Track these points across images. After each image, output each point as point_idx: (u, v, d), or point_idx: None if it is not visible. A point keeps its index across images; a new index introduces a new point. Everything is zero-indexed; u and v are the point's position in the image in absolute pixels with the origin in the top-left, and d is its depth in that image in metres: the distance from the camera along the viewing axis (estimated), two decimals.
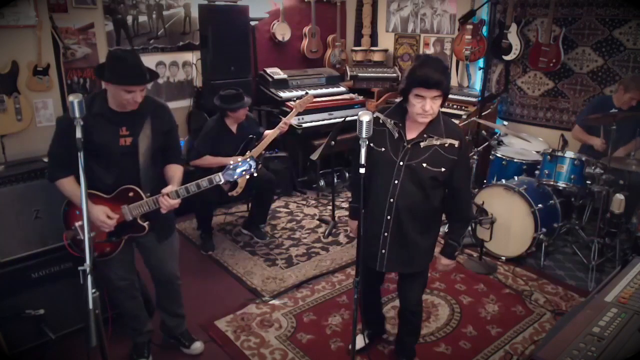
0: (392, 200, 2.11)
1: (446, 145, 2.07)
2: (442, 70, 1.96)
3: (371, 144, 2.09)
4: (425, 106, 1.96)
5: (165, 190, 2.24)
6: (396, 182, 2.09)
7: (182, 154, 2.55)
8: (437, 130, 2.07)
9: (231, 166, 2.27)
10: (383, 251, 2.20)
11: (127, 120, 2.25)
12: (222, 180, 2.25)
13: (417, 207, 2.13)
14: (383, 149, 2.10)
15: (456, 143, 2.08)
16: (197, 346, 2.74)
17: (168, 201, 2.23)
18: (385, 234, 2.17)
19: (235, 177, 2.27)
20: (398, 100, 2.17)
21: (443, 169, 2.07)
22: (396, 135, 2.09)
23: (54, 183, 2.28)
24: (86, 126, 2.02)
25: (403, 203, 2.11)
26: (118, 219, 2.27)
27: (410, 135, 2.08)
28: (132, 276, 2.55)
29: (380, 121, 2.13)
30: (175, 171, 2.41)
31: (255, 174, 2.30)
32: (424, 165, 2.06)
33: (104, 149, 2.21)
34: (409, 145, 2.06)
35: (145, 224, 2.34)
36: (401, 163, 2.07)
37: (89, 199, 2.16)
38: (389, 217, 2.14)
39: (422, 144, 2.06)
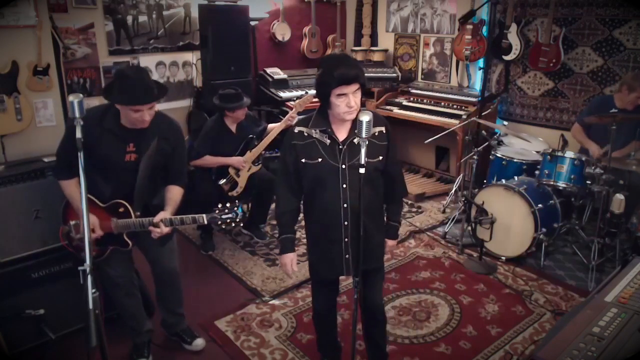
0: (345, 205, 2.09)
1: (376, 134, 2.09)
2: (355, 64, 1.99)
3: (303, 160, 2.08)
4: (349, 102, 1.96)
5: (158, 218, 2.26)
6: (345, 186, 2.07)
7: (185, 175, 2.55)
8: None
9: (217, 211, 2.30)
10: (347, 256, 2.17)
11: (135, 138, 2.27)
12: (205, 222, 2.29)
13: (369, 204, 2.11)
14: (320, 160, 2.06)
15: (383, 129, 2.11)
16: (199, 342, 2.76)
17: (160, 228, 2.26)
18: (346, 239, 2.14)
19: (219, 222, 2.30)
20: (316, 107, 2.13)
21: (380, 157, 2.09)
22: (328, 141, 2.06)
23: (58, 182, 2.32)
24: (95, 137, 2.10)
25: (357, 204, 2.07)
26: (106, 229, 2.29)
27: (341, 136, 2.06)
28: (130, 273, 2.57)
29: (305, 134, 2.09)
30: (175, 194, 2.42)
31: (240, 223, 2.34)
32: (365, 159, 2.05)
33: (108, 163, 2.24)
34: (345, 147, 2.05)
35: (130, 241, 2.37)
36: (343, 166, 2.05)
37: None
38: (346, 223, 2.11)
39: (355, 141, 2.05)
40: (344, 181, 2.06)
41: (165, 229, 2.28)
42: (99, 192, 2.29)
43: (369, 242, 2.15)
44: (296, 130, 2.12)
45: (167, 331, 2.83)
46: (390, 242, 2.34)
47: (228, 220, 2.30)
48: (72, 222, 2.32)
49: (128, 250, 2.41)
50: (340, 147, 2.05)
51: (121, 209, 2.31)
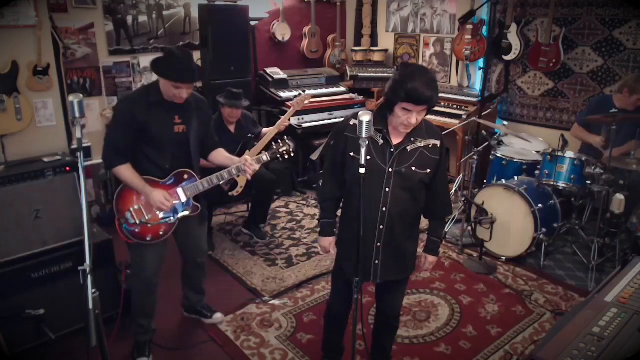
0: (384, 209, 2.05)
1: (430, 146, 2.05)
2: (433, 86, 1.88)
3: (351, 153, 2.05)
4: (411, 119, 1.91)
5: (245, 159, 2.54)
6: (387, 189, 2.03)
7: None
8: (420, 133, 2.04)
9: (274, 147, 2.70)
10: (377, 262, 2.13)
11: (179, 110, 2.45)
12: (269, 158, 2.67)
13: (406, 213, 2.09)
14: (369, 157, 2.00)
15: (438, 143, 2.07)
16: (218, 317, 2.95)
17: (253, 165, 2.51)
18: (378, 244, 2.10)
19: (278, 156, 2.70)
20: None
21: (429, 170, 2.05)
22: (381, 141, 2.02)
23: (110, 170, 2.43)
24: (144, 114, 2.30)
25: (395, 210, 2.06)
26: (175, 199, 2.47)
27: (396, 140, 2.02)
28: (159, 272, 2.64)
29: None
30: (224, 153, 2.69)
31: (292, 153, 2.71)
32: (413, 169, 2.02)
33: (159, 135, 2.40)
34: (397, 151, 2.01)
35: (198, 204, 2.57)
36: (390, 170, 2.01)
37: (147, 184, 2.39)
38: (381, 227, 2.07)
39: (408, 148, 2.02)
40: (387, 185, 2.03)
41: (257, 165, 2.54)
42: (157, 168, 2.45)
43: (397, 250, 2.13)
44: (351, 122, 2.06)
45: (186, 311, 2.99)
46: (430, 259, 2.26)
47: (284, 153, 2.69)
48: (132, 208, 2.42)
49: (196, 215, 2.58)
50: (392, 150, 2.01)
51: (185, 176, 2.51)
